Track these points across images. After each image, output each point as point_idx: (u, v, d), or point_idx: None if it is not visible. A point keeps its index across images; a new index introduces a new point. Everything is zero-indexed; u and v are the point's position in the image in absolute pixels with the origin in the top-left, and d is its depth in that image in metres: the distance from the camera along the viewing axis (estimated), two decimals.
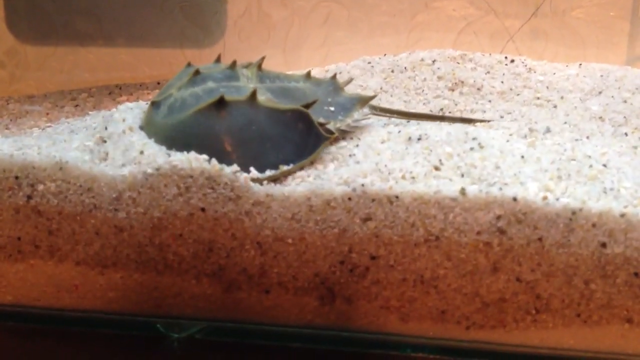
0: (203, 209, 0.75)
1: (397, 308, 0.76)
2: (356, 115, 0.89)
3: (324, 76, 1.03)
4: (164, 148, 0.76)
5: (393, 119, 0.93)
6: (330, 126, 0.83)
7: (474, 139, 0.80)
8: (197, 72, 0.85)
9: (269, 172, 0.76)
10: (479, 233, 0.72)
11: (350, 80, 0.98)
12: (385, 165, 0.75)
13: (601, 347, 0.74)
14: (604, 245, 0.70)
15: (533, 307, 0.75)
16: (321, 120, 0.83)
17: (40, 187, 0.75)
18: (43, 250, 0.77)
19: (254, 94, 0.80)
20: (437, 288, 0.75)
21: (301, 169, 0.78)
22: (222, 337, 0.77)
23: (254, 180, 0.75)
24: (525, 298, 0.74)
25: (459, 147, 0.79)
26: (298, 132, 0.80)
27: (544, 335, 0.75)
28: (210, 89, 0.82)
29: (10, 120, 1.09)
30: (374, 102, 0.93)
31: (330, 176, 0.75)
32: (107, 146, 0.78)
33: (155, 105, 0.82)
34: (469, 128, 0.83)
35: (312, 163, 0.78)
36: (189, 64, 0.91)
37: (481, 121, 0.93)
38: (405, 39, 1.28)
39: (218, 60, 0.93)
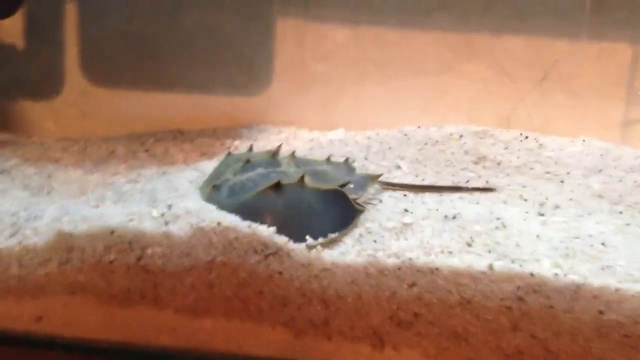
0: (280, 273, 0.93)
1: (433, 356, 0.94)
2: (370, 190, 1.11)
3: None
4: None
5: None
6: (359, 201, 1.04)
7: (498, 218, 0.99)
8: (248, 161, 1.07)
9: (320, 240, 0.96)
10: (502, 299, 0.90)
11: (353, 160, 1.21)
12: (427, 242, 0.94)
13: None
14: (601, 312, 0.88)
15: (544, 358, 0.93)
16: (352, 196, 1.04)
17: (149, 250, 0.93)
18: (148, 299, 0.95)
19: (302, 178, 1.02)
20: (467, 341, 0.92)
21: (344, 235, 0.98)
22: None
23: (310, 246, 0.94)
24: (539, 351, 0.91)
25: (486, 226, 0.97)
26: (338, 206, 1.01)
27: None
28: (264, 174, 1.03)
29: (94, 165, 1.26)
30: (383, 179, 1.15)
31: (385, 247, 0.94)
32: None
33: (216, 187, 1.02)
34: (494, 207, 1.02)
35: (351, 229, 0.99)
36: (228, 154, 1.14)
37: (484, 189, 1.12)
38: (430, 96, 1.46)
39: (250, 149, 1.17)
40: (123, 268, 0.94)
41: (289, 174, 1.04)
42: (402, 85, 1.48)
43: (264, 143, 1.29)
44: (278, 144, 1.17)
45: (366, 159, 1.21)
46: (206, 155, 1.25)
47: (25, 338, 0.97)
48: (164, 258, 0.93)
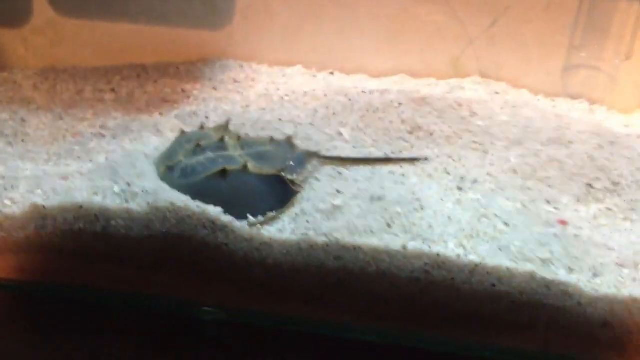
0: (226, 244, 1.08)
1: (355, 311, 1.13)
2: (308, 167, 1.23)
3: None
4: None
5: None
6: (297, 181, 1.18)
7: (417, 200, 1.13)
8: (198, 145, 1.19)
9: (260, 218, 1.11)
10: (412, 272, 1.06)
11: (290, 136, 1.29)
12: (353, 222, 1.08)
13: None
14: (494, 285, 1.06)
15: (445, 317, 1.12)
16: (289, 177, 1.17)
17: (113, 222, 1.07)
18: (112, 259, 1.11)
19: (245, 165, 1.16)
20: (384, 300, 1.10)
21: (282, 214, 1.13)
22: (235, 319, 1.14)
23: (251, 224, 1.10)
24: (442, 313, 1.10)
25: (406, 207, 1.11)
26: (277, 189, 1.15)
27: (454, 334, 1.12)
28: (211, 159, 1.16)
29: (63, 109, 1.35)
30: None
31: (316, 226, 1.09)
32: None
33: (169, 168, 1.16)
34: (416, 188, 1.15)
35: (288, 209, 1.14)
36: (182, 132, 1.25)
37: (412, 160, 1.25)
38: (386, 37, 1.53)
39: (202, 127, 1.28)
40: (91, 235, 1.09)
41: (235, 158, 1.17)
42: (359, 26, 1.55)
43: (224, 86, 1.39)
44: (226, 119, 1.28)
45: (312, 124, 1.32)
46: (168, 103, 1.36)
47: (8, 285, 1.14)
48: (126, 228, 1.08)
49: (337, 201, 1.11)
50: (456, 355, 1.11)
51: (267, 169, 1.17)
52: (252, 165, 1.16)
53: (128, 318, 1.14)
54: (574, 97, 1.54)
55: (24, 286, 1.15)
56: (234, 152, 1.19)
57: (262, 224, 1.09)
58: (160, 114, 1.32)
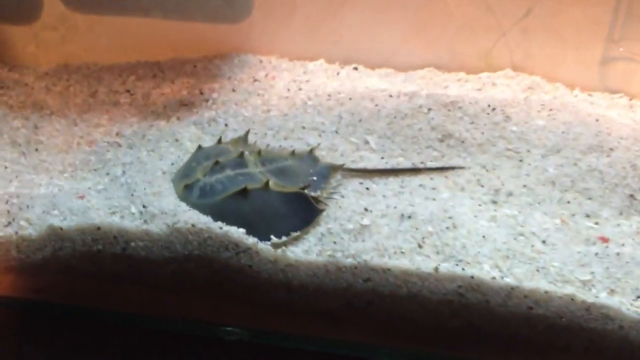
0: (250, 266, 1.04)
1: (382, 331, 1.09)
2: (333, 182, 1.18)
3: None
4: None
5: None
6: (321, 198, 1.13)
7: (450, 217, 1.07)
8: (217, 162, 1.13)
9: (284, 238, 1.06)
10: (444, 294, 1.02)
11: (313, 148, 1.24)
12: (382, 243, 1.03)
13: None
14: (531, 308, 1.01)
15: (478, 340, 1.07)
16: (313, 194, 1.12)
17: (132, 243, 1.03)
18: (133, 280, 1.08)
19: (267, 184, 1.10)
20: (413, 322, 1.06)
21: (306, 233, 1.08)
22: (259, 340, 1.11)
23: (275, 245, 1.05)
24: (474, 335, 1.06)
25: (438, 226, 1.06)
26: (300, 207, 1.10)
27: (488, 357, 1.08)
28: (231, 177, 1.11)
29: (77, 114, 1.30)
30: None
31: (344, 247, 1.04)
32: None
33: (188, 187, 1.11)
34: (448, 204, 1.10)
35: (313, 228, 1.09)
36: (200, 147, 1.19)
37: (443, 169, 1.20)
38: (411, 29, 1.45)
39: (219, 141, 1.22)
40: (110, 256, 1.05)
41: (255, 175, 1.12)
42: (383, 18, 1.47)
43: (243, 86, 1.33)
44: (245, 131, 1.23)
45: (336, 132, 1.25)
46: (185, 106, 1.30)
47: (25, 304, 1.11)
48: (146, 249, 1.04)
49: (365, 220, 1.06)
50: None
51: (290, 187, 1.12)
52: (273, 183, 1.11)
53: (148, 340, 1.12)
54: (612, 91, 1.46)
55: (41, 307, 1.12)
56: (254, 168, 1.14)
57: (285, 244, 1.05)
58: (178, 118, 1.27)
